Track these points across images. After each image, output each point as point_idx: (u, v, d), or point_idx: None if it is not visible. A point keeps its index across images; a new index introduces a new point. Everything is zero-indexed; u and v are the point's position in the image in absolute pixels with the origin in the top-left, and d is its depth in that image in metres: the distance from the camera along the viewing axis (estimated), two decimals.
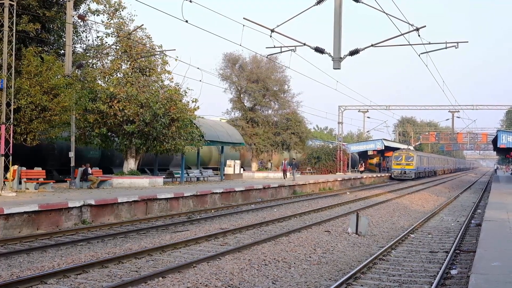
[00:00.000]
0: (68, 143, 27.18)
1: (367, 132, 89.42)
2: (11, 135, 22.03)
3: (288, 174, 40.44)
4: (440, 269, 11.71)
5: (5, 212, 15.28)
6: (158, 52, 31.74)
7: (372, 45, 22.37)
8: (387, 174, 66.75)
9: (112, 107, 27.67)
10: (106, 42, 31.20)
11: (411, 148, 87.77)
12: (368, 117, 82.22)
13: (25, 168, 23.55)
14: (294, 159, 43.10)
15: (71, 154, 26.10)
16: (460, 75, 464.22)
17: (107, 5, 30.37)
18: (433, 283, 10.42)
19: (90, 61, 30.41)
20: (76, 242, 14.65)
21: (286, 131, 47.88)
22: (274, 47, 23.09)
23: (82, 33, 31.75)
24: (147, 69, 30.94)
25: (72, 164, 26.21)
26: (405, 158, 63.18)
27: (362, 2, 19.75)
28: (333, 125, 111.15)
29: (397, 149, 77.71)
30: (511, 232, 14.16)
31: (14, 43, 22.45)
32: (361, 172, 61.14)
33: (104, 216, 19.19)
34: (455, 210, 26.69)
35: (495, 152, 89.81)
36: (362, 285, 10.46)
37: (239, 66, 46.66)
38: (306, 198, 32.84)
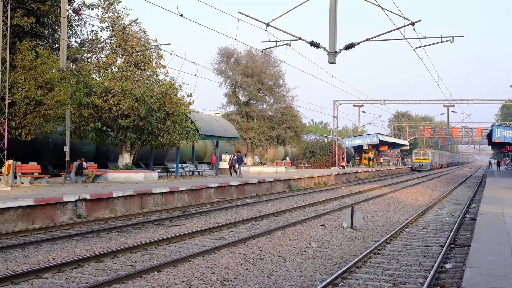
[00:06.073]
0: (63, 137, 27.14)
1: (362, 126, 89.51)
2: (6, 130, 21.97)
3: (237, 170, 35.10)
4: (435, 263, 11.76)
5: (0, 207, 15.25)
6: (153, 46, 31.64)
7: (367, 39, 22.38)
8: (382, 169, 66.89)
9: (107, 101, 27.59)
10: (101, 36, 31.09)
11: (407, 142, 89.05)
12: (363, 112, 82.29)
13: (20, 163, 23.48)
14: (239, 152, 38.68)
15: (66, 149, 26.06)
16: (455, 70, 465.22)
17: None
18: (427, 277, 10.45)
19: (84, 55, 30.30)
20: (71, 237, 14.64)
21: (281, 125, 47.88)
22: (269, 41, 23.07)
23: (77, 27, 31.68)
24: (142, 63, 30.83)
25: (67, 158, 26.17)
26: (423, 154, 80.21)
27: None
28: (328, 120, 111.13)
29: (393, 143, 79.11)
30: (506, 226, 14.22)
31: (8, 37, 22.36)
32: (343, 167, 57.75)
33: (99, 211, 19.17)
34: (450, 205, 26.78)
35: (490, 146, 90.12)
36: (356, 279, 10.49)
37: (234, 61, 46.56)
38: (301, 192, 32.89)
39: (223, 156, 40.24)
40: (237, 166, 34.71)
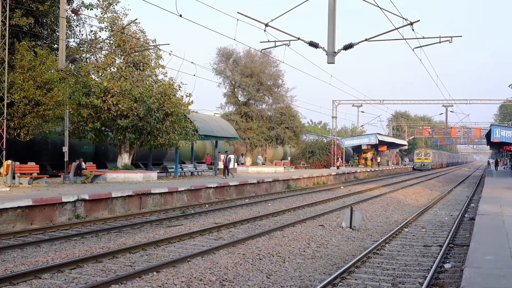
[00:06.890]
0: (61, 137, 27.12)
1: (361, 126, 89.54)
2: (5, 130, 21.95)
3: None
4: (434, 263, 11.75)
5: None
6: (152, 47, 31.63)
7: (366, 40, 22.38)
8: (381, 169, 66.88)
9: (106, 101, 27.57)
10: (100, 37, 31.12)
11: (406, 142, 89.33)
12: (362, 112, 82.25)
13: (18, 163, 23.45)
14: (227, 152, 38.25)
15: (65, 149, 26.04)
16: (454, 70, 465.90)
17: None
18: (426, 277, 10.45)
19: (83, 55, 30.29)
20: (70, 237, 14.62)
21: (280, 125, 47.86)
22: (268, 41, 23.05)
23: (76, 27, 31.70)
24: (141, 64, 30.82)
25: (66, 159, 26.15)
26: (424, 154, 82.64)
27: None
28: (327, 120, 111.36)
29: (392, 143, 79.14)
30: (505, 226, 14.22)
31: (7, 37, 22.34)
32: (338, 167, 57.62)
33: (98, 211, 19.16)
34: (448, 204, 26.78)
35: (488, 146, 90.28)
36: (356, 279, 10.48)
37: (233, 61, 46.55)
38: (300, 192, 32.88)
39: (221, 156, 40.22)
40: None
